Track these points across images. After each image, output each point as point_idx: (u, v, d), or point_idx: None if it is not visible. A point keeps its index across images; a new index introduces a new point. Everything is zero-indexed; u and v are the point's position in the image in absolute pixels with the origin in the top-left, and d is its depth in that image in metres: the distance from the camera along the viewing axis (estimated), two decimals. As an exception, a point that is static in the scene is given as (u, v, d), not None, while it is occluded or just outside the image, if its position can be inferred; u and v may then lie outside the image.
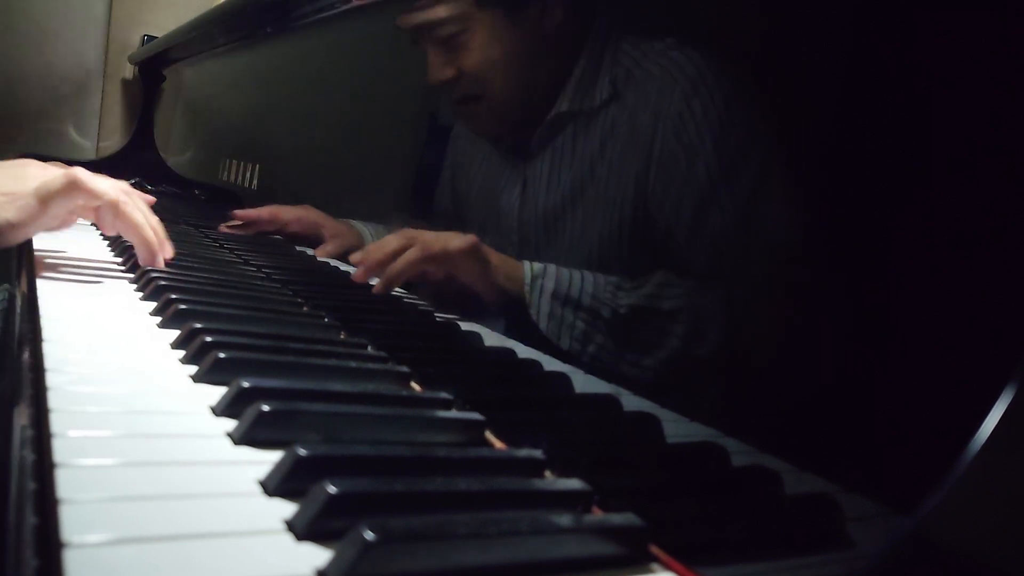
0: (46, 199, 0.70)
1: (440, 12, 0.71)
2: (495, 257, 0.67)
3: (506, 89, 0.68)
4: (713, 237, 0.46)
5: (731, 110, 0.46)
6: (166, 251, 0.77)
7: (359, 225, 0.96)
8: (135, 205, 0.75)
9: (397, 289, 0.80)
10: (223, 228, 1.18)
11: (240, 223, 1.17)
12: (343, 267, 0.93)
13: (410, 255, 0.72)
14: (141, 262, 0.75)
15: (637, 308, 0.51)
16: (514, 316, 0.62)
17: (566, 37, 0.60)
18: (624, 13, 0.57)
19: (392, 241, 0.75)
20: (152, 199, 0.83)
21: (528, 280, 0.60)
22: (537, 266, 0.60)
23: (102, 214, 0.75)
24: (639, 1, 0.57)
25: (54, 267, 0.74)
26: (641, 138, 0.51)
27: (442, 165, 0.79)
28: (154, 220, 0.78)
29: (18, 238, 0.71)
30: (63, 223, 0.78)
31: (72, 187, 0.71)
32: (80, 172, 0.72)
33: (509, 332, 0.65)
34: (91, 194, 0.72)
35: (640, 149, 0.51)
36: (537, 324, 0.59)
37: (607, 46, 0.56)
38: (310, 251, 1.04)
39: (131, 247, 0.85)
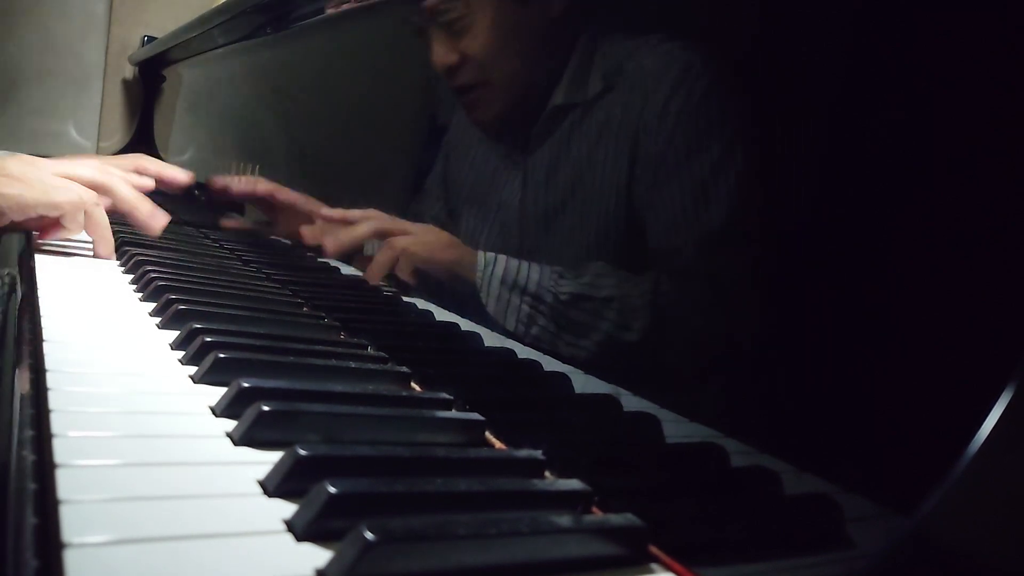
0: (52, 208, 0.78)
1: None
2: (453, 241, 0.73)
3: (507, 76, 0.68)
4: (699, 231, 0.47)
5: (714, 104, 0.47)
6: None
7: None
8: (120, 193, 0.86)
9: (397, 289, 0.80)
10: (224, 224, 1.18)
11: (240, 222, 1.17)
12: (343, 267, 0.93)
13: (382, 257, 0.79)
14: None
15: (575, 295, 0.55)
16: (467, 298, 0.67)
17: (565, 27, 0.61)
18: (619, 5, 0.57)
19: (362, 231, 0.82)
20: (150, 184, 0.96)
21: (481, 268, 0.65)
22: (490, 255, 0.65)
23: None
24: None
25: (54, 267, 0.74)
26: (629, 130, 0.52)
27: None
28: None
29: (19, 214, 0.77)
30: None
31: (78, 210, 0.80)
32: (89, 203, 0.81)
33: (463, 313, 0.70)
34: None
35: (628, 142, 0.52)
36: (486, 306, 0.64)
37: (601, 39, 0.56)
38: (310, 251, 1.04)
39: (130, 247, 0.85)
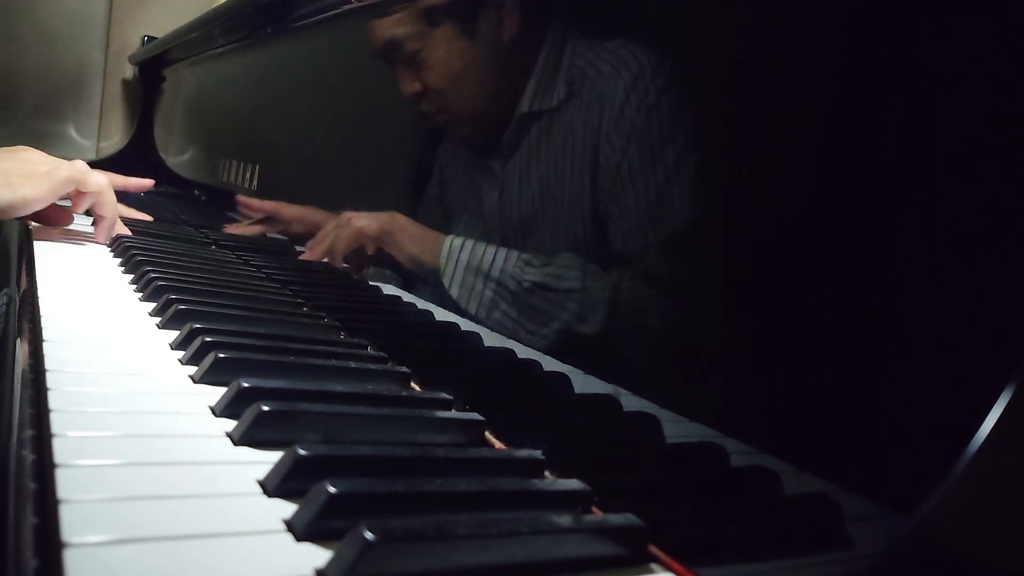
0: (55, 185, 0.85)
1: (397, 32, 0.77)
2: (417, 232, 0.77)
3: (469, 100, 0.72)
4: (702, 232, 0.47)
5: (668, 104, 0.48)
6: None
7: None
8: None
9: (396, 289, 0.80)
10: (227, 229, 1.19)
11: (243, 225, 1.18)
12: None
13: (339, 243, 0.88)
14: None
15: (538, 284, 0.57)
16: (433, 284, 0.71)
17: (524, 43, 0.62)
18: (579, 15, 0.58)
19: (328, 230, 0.91)
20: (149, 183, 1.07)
21: (445, 253, 0.68)
22: (457, 241, 0.68)
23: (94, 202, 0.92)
24: (594, 3, 0.58)
25: (55, 267, 0.74)
26: (591, 134, 0.53)
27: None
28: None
29: (29, 211, 0.86)
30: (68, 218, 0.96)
31: (73, 179, 0.87)
32: (79, 168, 0.88)
33: (432, 298, 0.73)
34: (87, 184, 0.89)
35: (590, 145, 0.54)
36: (448, 289, 0.68)
37: (564, 47, 0.58)
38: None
39: (131, 247, 0.85)
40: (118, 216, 0.96)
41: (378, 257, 0.86)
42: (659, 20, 0.51)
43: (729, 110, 0.45)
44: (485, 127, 0.67)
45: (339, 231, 0.88)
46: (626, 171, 0.50)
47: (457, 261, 0.67)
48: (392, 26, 0.79)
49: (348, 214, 0.90)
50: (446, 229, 0.74)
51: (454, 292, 0.67)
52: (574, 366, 0.52)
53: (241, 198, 1.22)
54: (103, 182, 0.90)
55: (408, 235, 0.79)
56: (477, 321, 0.64)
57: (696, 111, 0.47)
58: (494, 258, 0.62)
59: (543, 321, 0.56)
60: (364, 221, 0.85)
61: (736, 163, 0.46)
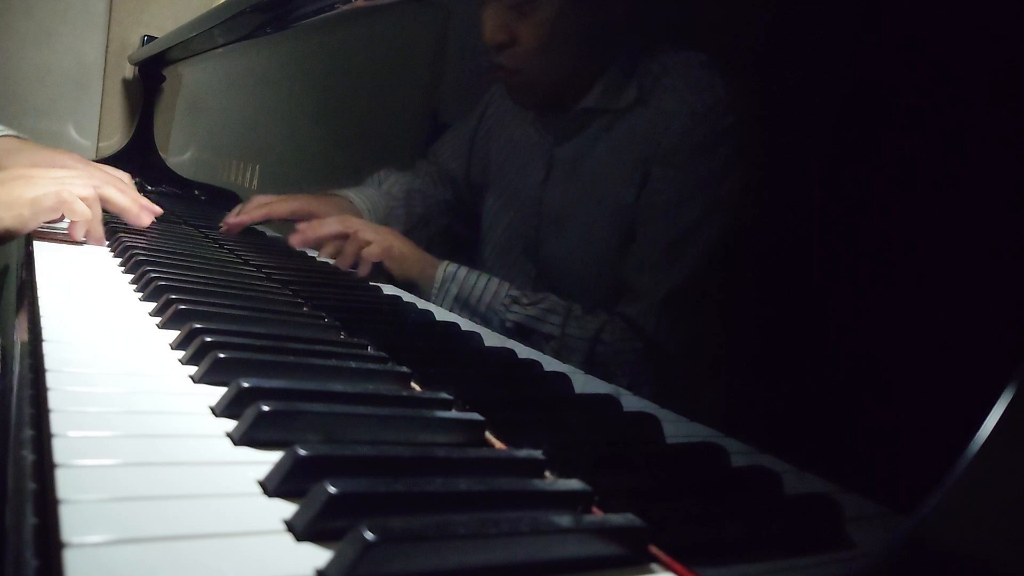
0: (36, 214, 0.84)
1: None
2: (412, 256, 0.79)
3: (548, 70, 0.68)
4: (709, 235, 0.47)
5: (728, 141, 0.47)
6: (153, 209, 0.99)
7: (356, 199, 0.97)
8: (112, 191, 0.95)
9: (396, 289, 0.80)
10: (224, 229, 1.18)
11: (233, 226, 1.17)
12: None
13: (350, 250, 0.89)
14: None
15: (519, 325, 0.59)
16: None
17: (616, 34, 0.60)
18: (671, 24, 0.56)
19: (333, 226, 0.92)
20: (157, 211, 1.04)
21: (437, 284, 0.70)
22: (450, 269, 0.69)
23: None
24: (682, 12, 0.55)
25: (55, 267, 0.74)
26: (647, 147, 0.52)
27: (427, 171, 0.79)
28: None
29: (14, 237, 0.84)
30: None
31: (59, 208, 0.86)
32: (66, 194, 0.87)
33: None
34: (75, 213, 0.88)
35: (643, 157, 0.52)
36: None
37: (646, 51, 0.55)
38: (310, 251, 1.04)
39: (131, 246, 0.85)
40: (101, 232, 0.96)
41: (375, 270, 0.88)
42: (746, 50, 0.48)
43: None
44: (549, 105, 0.66)
45: (345, 245, 0.90)
46: (671, 189, 0.49)
47: (447, 292, 0.68)
48: None
49: (354, 225, 0.91)
50: (464, 190, 0.73)
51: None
52: (673, 410, 0.51)
53: (230, 221, 1.21)
54: (86, 213, 0.89)
55: (404, 261, 0.80)
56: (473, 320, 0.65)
57: (757, 151, 0.45)
58: (483, 292, 0.64)
59: (530, 342, 0.58)
60: (368, 245, 0.87)
61: (726, 156, 0.46)
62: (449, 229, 0.76)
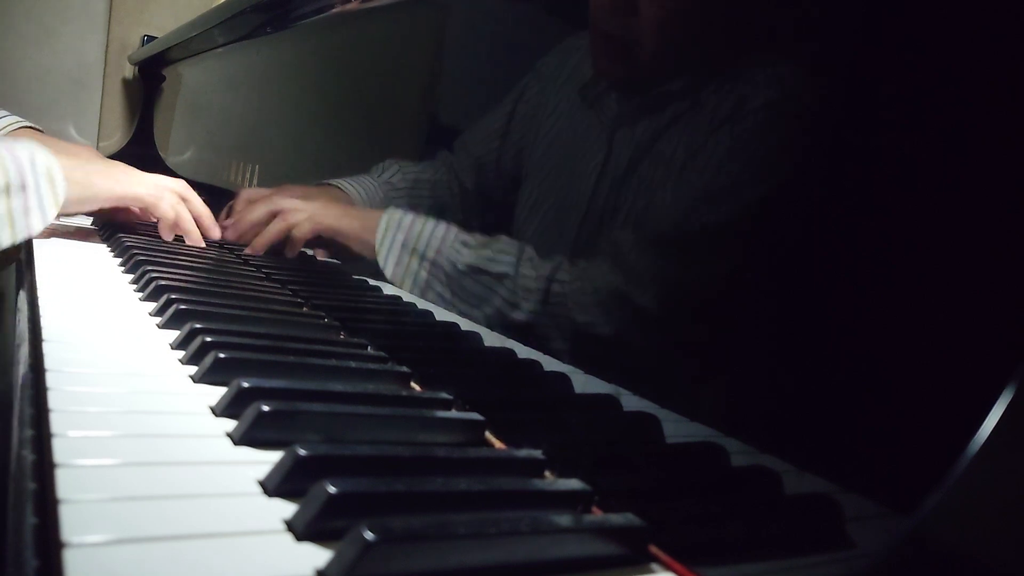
0: (123, 198, 0.95)
1: None
2: (352, 211, 0.78)
3: (655, 48, 0.63)
4: (712, 235, 0.47)
5: (780, 135, 0.46)
6: (213, 233, 1.01)
7: (346, 186, 0.96)
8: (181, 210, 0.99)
9: (396, 289, 0.80)
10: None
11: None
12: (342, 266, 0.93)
13: (272, 229, 0.90)
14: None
15: (473, 267, 0.57)
16: (365, 259, 0.71)
17: (722, 30, 0.58)
18: (766, 31, 0.54)
19: (260, 210, 0.93)
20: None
21: (381, 231, 0.68)
22: (395, 217, 0.67)
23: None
24: (786, 24, 0.53)
25: (55, 266, 0.74)
26: (712, 147, 0.51)
27: (443, 162, 0.79)
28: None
29: (69, 213, 0.91)
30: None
31: (171, 207, 0.97)
32: (156, 199, 0.97)
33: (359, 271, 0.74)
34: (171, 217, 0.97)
35: (707, 157, 0.51)
36: (384, 270, 0.68)
37: (740, 54, 0.53)
38: (309, 251, 1.04)
39: (131, 247, 0.85)
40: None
41: (314, 241, 0.87)
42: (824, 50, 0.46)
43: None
44: (640, 78, 0.62)
45: (275, 223, 0.90)
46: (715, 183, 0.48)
47: (394, 239, 0.66)
48: None
49: (279, 200, 0.91)
50: (505, 167, 0.70)
51: (389, 270, 0.67)
52: (673, 410, 0.49)
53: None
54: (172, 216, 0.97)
55: (342, 212, 0.79)
56: (416, 295, 0.64)
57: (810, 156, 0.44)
58: (431, 236, 0.62)
59: (476, 303, 0.56)
60: (298, 212, 0.87)
61: (751, 185, 0.46)
62: (466, 221, 0.74)
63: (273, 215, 0.94)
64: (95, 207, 0.94)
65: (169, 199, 0.97)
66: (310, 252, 0.99)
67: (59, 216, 0.87)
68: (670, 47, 0.63)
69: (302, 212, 0.90)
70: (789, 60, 0.48)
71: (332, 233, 0.85)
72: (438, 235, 0.61)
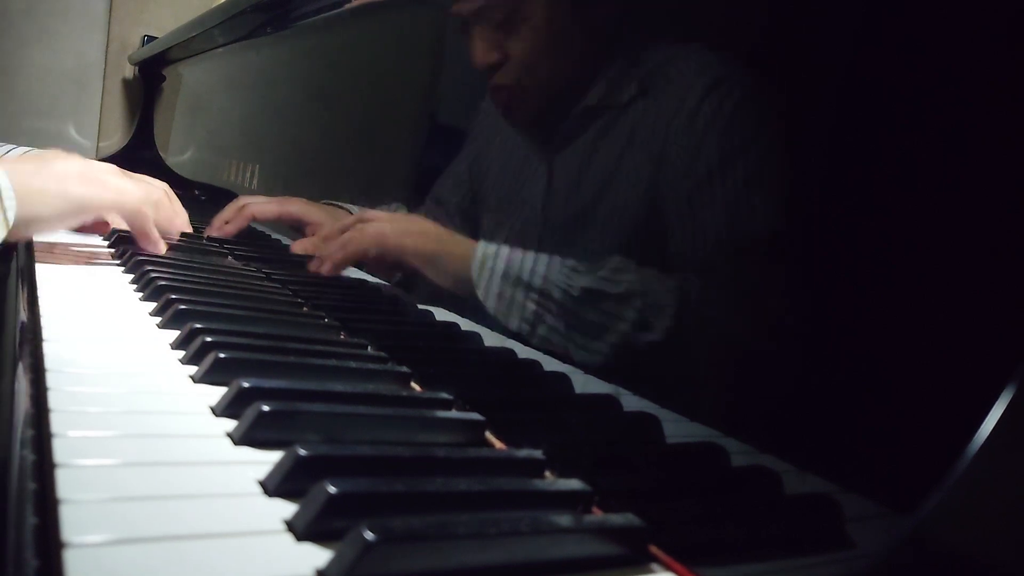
0: (84, 209, 0.78)
1: None
2: (447, 239, 0.71)
3: (546, 79, 0.67)
4: (712, 235, 0.47)
5: (742, 113, 0.46)
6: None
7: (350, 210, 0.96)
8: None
9: (396, 289, 0.80)
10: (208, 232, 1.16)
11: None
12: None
13: (354, 246, 0.79)
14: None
15: (590, 290, 0.52)
16: (465, 297, 0.64)
17: (609, 33, 0.59)
18: (662, 14, 0.56)
19: (337, 230, 0.83)
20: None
21: (478, 261, 0.62)
22: (490, 247, 0.62)
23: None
24: (678, 4, 0.55)
25: (55, 267, 0.74)
26: (659, 136, 0.51)
27: (442, 164, 0.79)
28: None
29: (41, 232, 0.77)
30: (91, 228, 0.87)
31: (139, 215, 0.81)
32: (146, 209, 0.82)
33: (461, 312, 0.67)
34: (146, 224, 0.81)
35: (657, 147, 0.51)
36: (484, 303, 0.61)
37: (642, 45, 0.55)
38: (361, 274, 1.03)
39: (131, 247, 0.85)
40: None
41: (397, 267, 0.78)
42: (739, 27, 0.49)
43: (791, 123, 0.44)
44: (550, 113, 0.64)
45: (355, 235, 0.80)
46: (694, 176, 0.48)
47: (492, 271, 0.60)
48: None
49: (367, 213, 0.82)
50: (473, 222, 0.71)
51: (491, 304, 0.60)
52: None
53: (211, 233, 1.18)
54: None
55: (434, 241, 0.71)
56: (518, 338, 0.58)
57: (770, 123, 0.45)
58: (534, 263, 0.56)
59: (597, 333, 0.51)
60: (383, 226, 0.77)
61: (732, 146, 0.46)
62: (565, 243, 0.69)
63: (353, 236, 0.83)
64: (76, 222, 0.80)
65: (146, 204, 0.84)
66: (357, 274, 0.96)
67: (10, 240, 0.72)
68: (551, 74, 0.65)
69: (408, 237, 0.78)
70: (712, 51, 0.49)
71: (422, 262, 0.75)
72: (543, 260, 0.56)
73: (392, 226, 0.78)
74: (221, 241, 1.03)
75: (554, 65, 0.66)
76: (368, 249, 0.80)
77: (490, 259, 0.62)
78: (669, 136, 0.50)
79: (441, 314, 0.72)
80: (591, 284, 0.52)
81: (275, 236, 1.16)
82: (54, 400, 0.39)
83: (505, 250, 0.61)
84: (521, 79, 0.69)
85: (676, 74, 0.52)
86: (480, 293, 0.62)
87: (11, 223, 0.66)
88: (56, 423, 0.36)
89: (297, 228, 1.03)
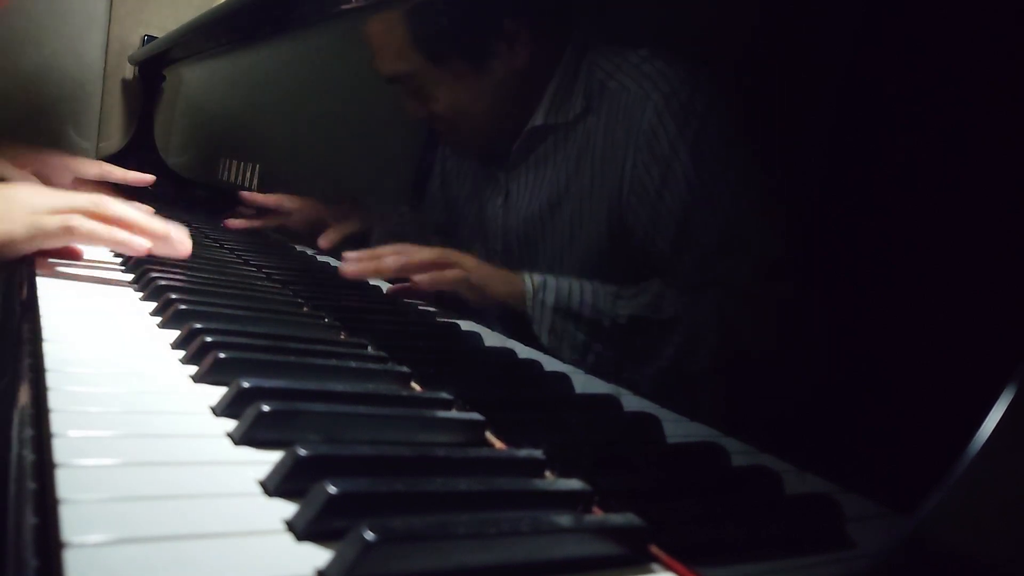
0: (33, 237, 0.71)
1: (400, 67, 0.75)
2: (495, 275, 0.68)
3: (479, 123, 0.69)
4: (697, 245, 0.47)
5: (705, 123, 0.47)
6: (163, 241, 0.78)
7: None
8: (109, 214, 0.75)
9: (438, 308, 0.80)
10: (229, 224, 1.18)
11: (245, 220, 1.16)
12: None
13: (445, 277, 0.72)
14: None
15: (636, 318, 0.51)
16: (515, 323, 0.62)
17: (537, 64, 0.60)
18: (599, 27, 0.57)
19: (428, 253, 0.75)
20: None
21: (530, 296, 0.60)
22: (537, 279, 0.61)
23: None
24: (614, 14, 0.56)
25: (54, 267, 0.74)
26: (615, 151, 0.52)
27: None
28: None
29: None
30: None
31: (67, 235, 0.72)
32: (76, 221, 0.72)
33: (512, 334, 0.65)
34: (88, 239, 0.73)
35: (614, 162, 0.52)
36: (539, 337, 0.59)
37: (582, 60, 0.56)
38: (310, 251, 1.04)
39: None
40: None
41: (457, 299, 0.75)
42: (687, 32, 0.49)
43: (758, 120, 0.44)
44: (494, 142, 0.66)
45: (441, 274, 0.74)
46: (655, 187, 0.48)
47: (543, 303, 0.59)
48: (395, 61, 0.77)
49: (452, 255, 0.77)
50: (449, 229, 0.72)
51: (544, 338, 0.59)
52: (673, 410, 0.47)
53: (245, 194, 1.21)
54: (102, 232, 0.73)
55: (489, 280, 0.69)
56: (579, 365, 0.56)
57: (732, 127, 0.45)
58: (581, 292, 0.55)
59: (647, 359, 0.50)
60: (469, 266, 0.73)
61: (734, 175, 0.46)
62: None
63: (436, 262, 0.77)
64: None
65: (76, 224, 0.72)
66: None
67: None
68: (483, 114, 0.66)
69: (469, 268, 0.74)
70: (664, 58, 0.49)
71: (478, 294, 0.72)
72: (588, 290, 0.55)
73: (477, 269, 0.73)
74: (222, 241, 1.03)
75: (478, 111, 0.68)
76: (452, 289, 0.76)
77: (540, 292, 0.60)
78: (629, 151, 0.51)
79: (440, 314, 0.72)
80: (637, 311, 0.52)
81: (274, 237, 1.16)
82: (54, 400, 0.39)
83: (552, 281, 0.60)
84: (451, 128, 0.72)
85: (620, 87, 0.52)
86: (536, 327, 0.60)
87: None
88: (56, 423, 0.36)
89: (308, 224, 1.04)
